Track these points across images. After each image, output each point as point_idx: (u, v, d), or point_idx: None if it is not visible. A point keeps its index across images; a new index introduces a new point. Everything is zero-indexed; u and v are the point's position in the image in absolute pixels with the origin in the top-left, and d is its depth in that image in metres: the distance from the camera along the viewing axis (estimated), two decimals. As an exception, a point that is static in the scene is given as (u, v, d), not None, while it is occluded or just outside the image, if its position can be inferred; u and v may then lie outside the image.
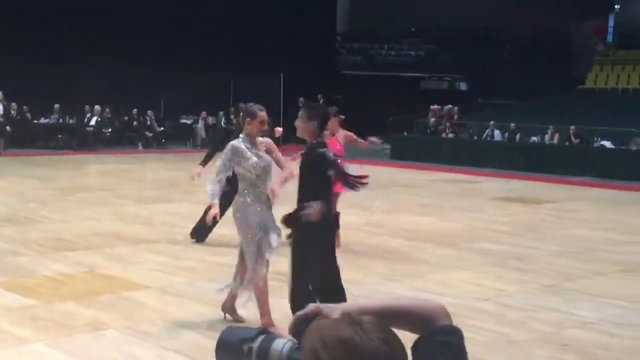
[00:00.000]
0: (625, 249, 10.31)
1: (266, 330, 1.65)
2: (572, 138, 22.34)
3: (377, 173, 20.37)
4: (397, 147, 25.04)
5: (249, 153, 6.09)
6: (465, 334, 5.59)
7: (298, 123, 5.99)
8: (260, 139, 6.34)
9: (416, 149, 24.48)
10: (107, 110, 25.06)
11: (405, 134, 25.99)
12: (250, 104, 6.41)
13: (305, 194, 5.89)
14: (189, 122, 27.88)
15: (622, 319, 6.88)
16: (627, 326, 6.64)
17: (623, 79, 29.11)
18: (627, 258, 9.66)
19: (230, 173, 6.19)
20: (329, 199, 6.12)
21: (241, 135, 6.24)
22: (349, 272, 8.29)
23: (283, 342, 1.59)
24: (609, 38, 33.73)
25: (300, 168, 6.03)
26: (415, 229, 11.31)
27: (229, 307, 6.46)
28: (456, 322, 5.98)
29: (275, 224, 6.20)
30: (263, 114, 6.25)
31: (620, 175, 19.27)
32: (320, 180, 5.88)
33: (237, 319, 6.42)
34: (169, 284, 7.55)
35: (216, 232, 10.39)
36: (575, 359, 5.75)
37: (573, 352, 5.90)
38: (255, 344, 1.62)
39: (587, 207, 14.53)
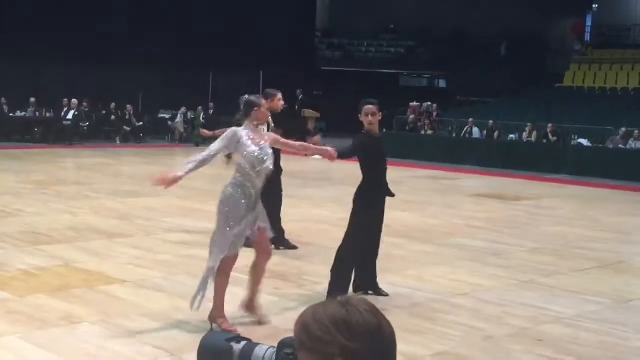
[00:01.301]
0: (602, 245, 10.38)
1: (244, 337, 1.70)
2: (550, 136, 22.48)
3: (357, 169, 20.37)
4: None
5: (249, 141, 5.99)
6: (442, 329, 5.63)
7: None
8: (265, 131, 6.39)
9: (395, 145, 24.45)
10: (85, 104, 24.85)
11: (385, 130, 25.96)
12: (247, 95, 6.37)
13: None
14: (167, 116, 27.73)
15: (598, 314, 6.92)
16: (602, 322, 6.68)
17: (600, 78, 29.32)
18: (603, 255, 9.73)
19: (213, 159, 6.05)
20: None
21: (245, 124, 6.14)
22: (326, 268, 8.28)
23: (265, 348, 1.64)
24: (587, 37, 33.95)
25: None
26: (393, 225, 11.28)
27: (250, 306, 6.23)
28: (433, 317, 5.99)
29: (258, 220, 6.07)
30: (264, 102, 6.41)
31: (597, 173, 19.42)
32: None
33: (261, 318, 6.15)
34: (145, 277, 7.50)
35: (192, 225, 10.36)
36: (550, 353, 5.78)
37: (548, 347, 5.92)
38: (239, 347, 1.66)
39: (564, 204, 14.62)
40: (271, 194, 8.72)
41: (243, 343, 1.68)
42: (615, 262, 9.36)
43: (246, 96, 6.31)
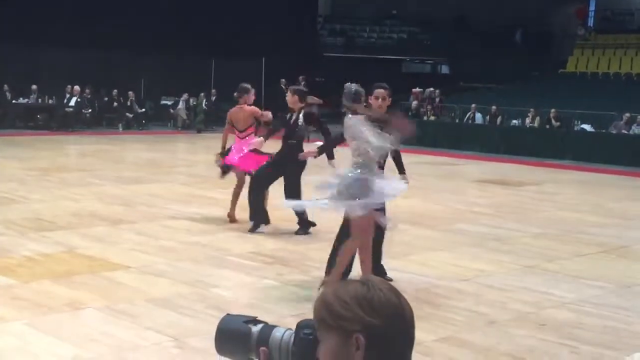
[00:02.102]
0: (605, 231, 10.38)
1: (261, 320, 1.72)
2: (553, 121, 22.43)
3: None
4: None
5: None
6: (445, 314, 5.63)
7: None
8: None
9: (398, 131, 24.42)
10: (87, 90, 24.82)
11: (387, 116, 25.92)
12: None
13: None
14: (169, 103, 27.69)
15: (600, 299, 6.93)
16: (604, 306, 6.69)
17: (603, 63, 29.22)
18: (606, 240, 9.73)
19: None
20: None
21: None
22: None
23: (283, 330, 1.66)
24: (590, 22, 33.81)
25: None
26: (396, 211, 11.25)
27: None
28: (437, 302, 6.00)
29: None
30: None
31: (600, 159, 19.39)
32: None
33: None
34: (148, 263, 7.51)
35: (195, 212, 10.37)
36: (553, 338, 5.79)
37: (551, 332, 5.94)
38: (256, 329, 1.67)
39: (567, 190, 14.61)
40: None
41: (260, 325, 1.70)
42: (618, 247, 9.36)
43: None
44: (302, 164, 8.89)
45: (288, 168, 8.94)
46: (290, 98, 9.09)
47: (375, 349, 1.51)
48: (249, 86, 9.99)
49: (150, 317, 5.86)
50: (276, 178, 9.20)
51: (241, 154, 9.63)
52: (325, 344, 1.55)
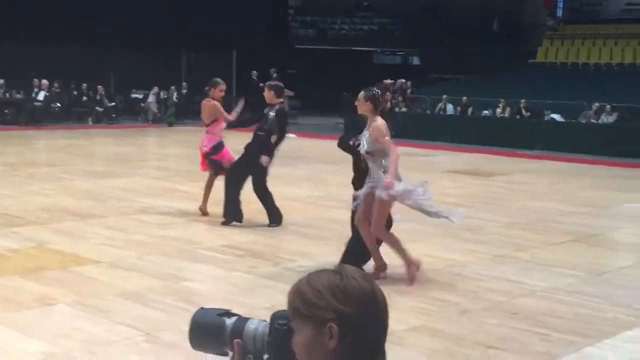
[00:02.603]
0: (575, 219, 10.47)
1: (234, 313, 1.71)
2: (523, 112, 22.58)
3: (332, 147, 20.35)
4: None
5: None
6: (418, 305, 5.61)
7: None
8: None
9: (369, 123, 24.47)
10: (56, 84, 24.53)
11: (359, 108, 25.94)
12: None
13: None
14: (139, 97, 27.47)
15: (572, 287, 6.98)
16: (576, 294, 6.74)
17: (572, 54, 29.48)
18: (577, 228, 9.80)
19: None
20: None
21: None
22: (304, 245, 8.29)
23: (257, 322, 1.66)
24: (559, 13, 34.06)
25: None
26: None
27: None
28: (409, 292, 5.98)
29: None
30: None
31: (570, 148, 19.56)
32: None
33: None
34: (119, 258, 7.44)
35: (166, 206, 10.29)
36: (525, 326, 5.82)
37: (523, 320, 5.97)
38: (230, 321, 1.67)
39: (538, 179, 14.71)
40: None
41: (234, 318, 1.69)
42: (589, 235, 9.44)
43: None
44: (271, 155, 8.99)
45: (256, 160, 8.95)
46: (267, 93, 9.09)
47: (349, 337, 1.51)
48: (217, 80, 9.91)
49: (121, 311, 5.80)
50: (250, 172, 9.17)
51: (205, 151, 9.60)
52: (299, 333, 1.55)
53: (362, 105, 7.07)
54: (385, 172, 6.79)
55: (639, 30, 29.12)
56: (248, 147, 9.17)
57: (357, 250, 7.08)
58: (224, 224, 9.09)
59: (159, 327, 5.45)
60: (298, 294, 1.56)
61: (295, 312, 1.55)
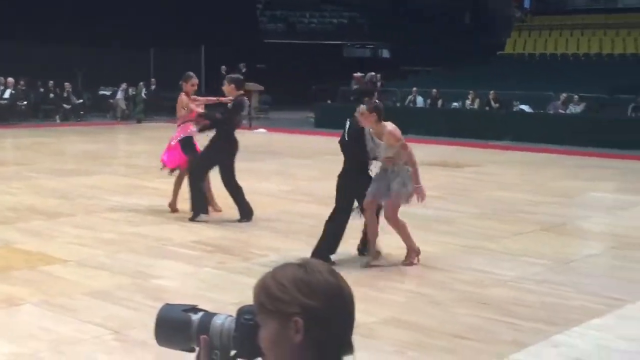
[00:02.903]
0: (544, 209, 10.56)
1: (200, 308, 1.70)
2: (492, 103, 22.72)
3: (302, 141, 20.36)
4: (321, 116, 25.01)
5: None
6: (388, 296, 5.62)
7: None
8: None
9: (340, 116, 24.34)
10: (22, 82, 24.23)
11: (329, 102, 25.98)
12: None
13: None
14: (108, 93, 27.23)
15: (540, 276, 7.04)
16: (544, 283, 6.80)
17: (540, 45, 29.71)
18: (545, 218, 9.89)
19: None
20: None
21: None
22: (274, 240, 8.28)
23: (224, 317, 1.65)
24: (526, 4, 34.30)
25: None
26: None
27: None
28: (380, 284, 5.99)
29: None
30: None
31: (539, 139, 19.72)
32: None
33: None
34: (87, 256, 7.37)
35: (135, 203, 10.22)
36: (494, 316, 5.86)
37: (492, 310, 6.01)
38: (196, 317, 1.66)
39: (507, 170, 14.82)
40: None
41: (200, 313, 1.68)
42: (557, 225, 9.53)
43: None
44: (232, 149, 8.94)
45: (220, 154, 8.92)
46: (227, 87, 9.07)
47: (315, 331, 1.51)
48: (189, 74, 9.84)
49: (90, 310, 5.75)
50: (213, 164, 9.13)
51: (172, 144, 9.53)
52: (265, 328, 1.54)
53: (368, 118, 7.16)
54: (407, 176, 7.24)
55: (605, 21, 29.43)
56: (211, 142, 9.14)
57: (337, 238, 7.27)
58: (192, 219, 9.04)
59: (128, 325, 5.40)
60: (263, 289, 1.55)
61: (261, 307, 1.55)
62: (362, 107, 7.19)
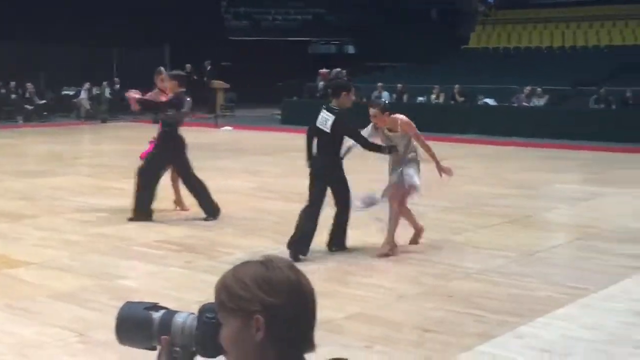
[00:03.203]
0: (508, 201, 10.65)
1: (162, 306, 1.69)
2: (457, 97, 22.85)
3: (269, 138, 20.31)
4: (287, 112, 24.97)
5: None
6: (356, 291, 5.62)
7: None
8: None
9: (306, 113, 24.26)
10: (-18, 84, 23.88)
11: (295, 98, 25.95)
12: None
13: None
14: (71, 93, 26.92)
15: (505, 268, 7.10)
16: (509, 275, 6.86)
17: (504, 39, 29.94)
18: (510, 210, 9.97)
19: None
20: None
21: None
22: (240, 237, 8.25)
23: (185, 315, 1.64)
24: (490, -2, 34.55)
25: None
26: (306, 193, 11.26)
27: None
28: (346, 280, 5.99)
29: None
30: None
31: (503, 132, 19.88)
32: None
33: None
34: (52, 258, 7.28)
35: (101, 203, 10.11)
36: (460, 308, 5.90)
37: (458, 302, 6.05)
38: (158, 315, 1.65)
39: (473, 164, 14.91)
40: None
41: (162, 311, 1.67)
42: (522, 216, 9.62)
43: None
44: (178, 146, 8.88)
45: (171, 155, 8.87)
46: (170, 83, 8.98)
47: (276, 329, 1.50)
48: (157, 69, 9.75)
49: (54, 313, 5.68)
50: (162, 166, 9.04)
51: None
52: (226, 326, 1.53)
53: (383, 118, 7.66)
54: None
55: (567, 14, 29.74)
56: (157, 142, 9.07)
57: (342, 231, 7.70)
58: (132, 219, 8.85)
59: (93, 326, 5.35)
60: (224, 287, 1.54)
61: (222, 305, 1.54)
62: (374, 111, 7.65)
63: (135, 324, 1.66)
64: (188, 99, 9.06)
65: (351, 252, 7.66)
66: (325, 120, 7.55)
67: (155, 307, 1.69)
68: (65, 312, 5.70)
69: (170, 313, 1.66)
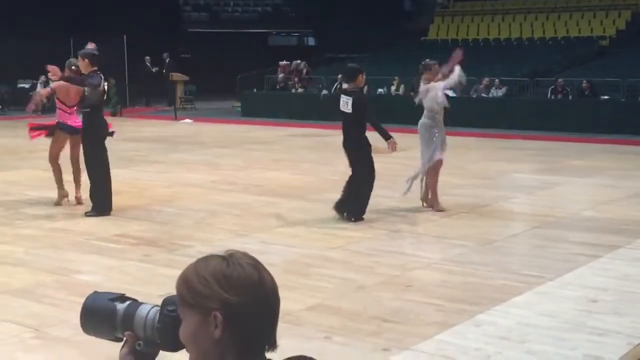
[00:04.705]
0: (466, 191, 10.74)
1: (128, 297, 1.68)
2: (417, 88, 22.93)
3: (229, 131, 20.22)
4: (247, 104, 24.89)
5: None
6: (316, 283, 5.63)
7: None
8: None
9: (266, 105, 24.42)
10: None
11: (255, 90, 25.87)
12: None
13: None
14: (27, 86, 26.47)
15: (463, 257, 7.17)
16: (467, 264, 6.92)
17: (463, 30, 30.12)
18: (468, 200, 10.06)
19: None
20: None
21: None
22: (199, 230, 8.21)
23: (149, 307, 1.63)
24: (449, -10, 34.73)
25: None
26: (266, 184, 11.30)
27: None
28: (306, 271, 6.00)
29: None
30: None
31: (462, 122, 19.98)
32: None
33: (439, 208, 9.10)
34: (5, 254, 7.16)
35: (55, 198, 9.96)
36: (418, 298, 5.94)
37: (417, 292, 6.09)
38: (122, 306, 1.64)
39: (432, 154, 14.98)
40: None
41: (127, 303, 1.66)
42: (479, 206, 9.70)
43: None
44: (98, 132, 8.72)
45: (85, 138, 8.77)
46: (81, 63, 8.81)
47: (235, 327, 1.48)
48: (68, 61, 9.61)
49: (8, 309, 5.59)
50: (99, 151, 8.83)
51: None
52: (186, 321, 1.52)
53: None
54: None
55: (524, 6, 30.03)
56: (82, 131, 8.97)
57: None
58: (88, 214, 8.75)
59: (49, 322, 5.28)
60: (184, 281, 1.51)
61: (182, 300, 1.51)
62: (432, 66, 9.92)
63: (99, 314, 1.65)
64: (101, 76, 8.81)
65: (311, 244, 7.66)
66: (346, 103, 8.75)
67: (122, 298, 1.68)
68: (21, 308, 5.61)
69: (135, 305, 1.65)
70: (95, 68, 8.77)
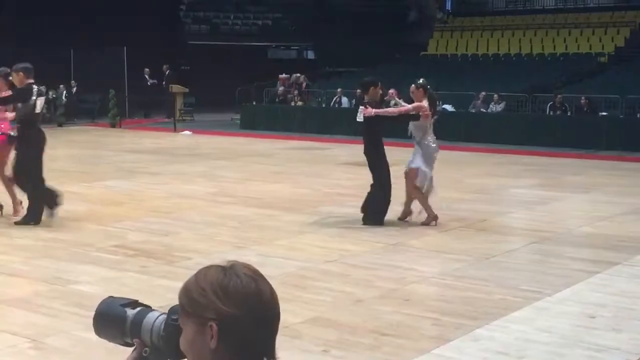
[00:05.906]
0: (464, 206, 10.74)
1: (141, 304, 1.71)
2: (416, 103, 22.96)
3: (228, 143, 20.24)
4: (246, 117, 24.93)
5: None
6: (312, 296, 5.62)
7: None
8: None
9: (266, 118, 24.47)
10: None
11: (254, 103, 25.92)
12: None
13: None
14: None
15: (461, 271, 7.16)
16: (464, 278, 6.91)
17: (461, 46, 30.22)
18: (465, 215, 10.06)
19: None
20: None
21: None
22: (198, 242, 8.20)
23: (157, 315, 1.65)
24: (448, 6, 34.86)
25: None
26: (265, 197, 11.30)
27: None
28: (304, 284, 6.00)
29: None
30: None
31: (461, 137, 20.05)
32: None
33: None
34: (2, 264, 7.14)
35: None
36: (416, 312, 5.93)
37: (415, 306, 6.08)
38: (133, 312, 1.67)
39: (430, 169, 14.99)
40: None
41: (138, 309, 1.68)
42: (477, 220, 9.70)
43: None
44: (36, 145, 8.69)
45: (21, 149, 8.73)
46: (16, 77, 8.71)
47: (230, 338, 1.47)
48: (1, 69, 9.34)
49: (5, 319, 5.57)
50: (34, 161, 8.78)
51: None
52: (185, 330, 1.53)
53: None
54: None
55: (523, 22, 30.15)
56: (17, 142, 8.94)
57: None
58: (20, 223, 8.71)
59: (46, 332, 5.26)
60: (185, 291, 1.53)
61: (182, 309, 1.53)
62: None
63: (110, 319, 1.68)
64: (36, 88, 8.70)
65: (309, 256, 7.65)
66: (358, 113, 9.46)
67: (134, 303, 1.71)
68: (18, 318, 5.60)
69: (145, 312, 1.68)
70: (31, 81, 8.67)
